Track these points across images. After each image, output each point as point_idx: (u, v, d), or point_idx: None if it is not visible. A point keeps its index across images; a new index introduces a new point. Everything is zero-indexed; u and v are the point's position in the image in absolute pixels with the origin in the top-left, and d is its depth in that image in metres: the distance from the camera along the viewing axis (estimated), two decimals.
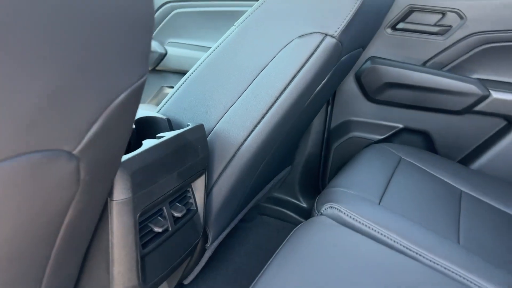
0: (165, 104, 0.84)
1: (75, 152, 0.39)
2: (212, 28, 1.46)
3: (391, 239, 0.74)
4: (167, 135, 0.69)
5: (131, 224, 0.62)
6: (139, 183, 0.61)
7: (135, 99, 0.43)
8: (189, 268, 0.94)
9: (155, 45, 1.53)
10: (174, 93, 0.83)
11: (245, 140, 0.79)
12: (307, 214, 1.42)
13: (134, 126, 0.74)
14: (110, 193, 0.58)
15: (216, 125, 0.80)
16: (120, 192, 0.59)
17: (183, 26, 1.54)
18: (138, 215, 0.63)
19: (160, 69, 1.57)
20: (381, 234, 0.75)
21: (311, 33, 0.74)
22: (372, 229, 0.76)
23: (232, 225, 1.02)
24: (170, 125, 0.80)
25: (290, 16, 0.76)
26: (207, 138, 0.80)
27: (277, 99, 0.78)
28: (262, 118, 0.79)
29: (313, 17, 0.75)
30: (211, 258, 1.06)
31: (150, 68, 1.57)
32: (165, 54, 1.53)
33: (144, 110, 0.82)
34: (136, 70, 0.41)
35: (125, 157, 0.59)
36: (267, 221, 1.42)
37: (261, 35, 0.77)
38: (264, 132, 0.80)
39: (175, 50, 1.53)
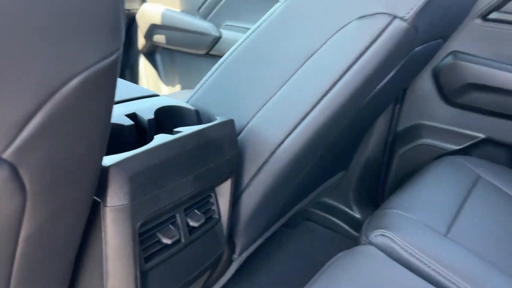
0: (196, 92, 0.73)
1: (4, 155, 0.28)
2: None
3: (457, 286, 0.58)
4: (185, 130, 0.58)
5: (128, 234, 0.51)
6: (141, 187, 0.51)
7: (103, 83, 0.31)
8: (213, 279, 0.83)
9: (209, 27, 1.42)
10: (207, 79, 0.72)
11: (282, 141, 0.66)
12: (359, 227, 1.25)
13: (153, 117, 0.63)
14: (103, 197, 0.48)
15: (250, 121, 0.67)
16: (115, 197, 0.48)
17: (242, 8, 1.42)
18: (139, 224, 0.52)
19: (214, 54, 1.46)
20: (445, 277, 0.59)
21: (374, 14, 0.58)
22: (433, 269, 0.59)
23: (267, 235, 0.90)
24: (198, 117, 0.69)
25: None
26: (239, 136, 0.68)
27: (326, 93, 0.64)
28: (306, 115, 0.65)
29: None
30: (243, 265, 0.95)
31: (203, 53, 1.48)
32: (219, 37, 1.42)
33: (171, 98, 0.71)
34: (99, 44, 0.29)
35: (123, 156, 0.49)
36: (313, 228, 1.27)
37: (311, 15, 0.62)
38: (307, 133, 0.66)
39: (231, 34, 1.42)
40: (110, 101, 0.34)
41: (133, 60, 1.69)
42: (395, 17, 0.58)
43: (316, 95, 0.64)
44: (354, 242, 1.22)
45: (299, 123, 0.65)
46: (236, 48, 0.68)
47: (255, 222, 0.78)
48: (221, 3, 1.44)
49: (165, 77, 1.68)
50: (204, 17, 1.48)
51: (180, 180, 0.56)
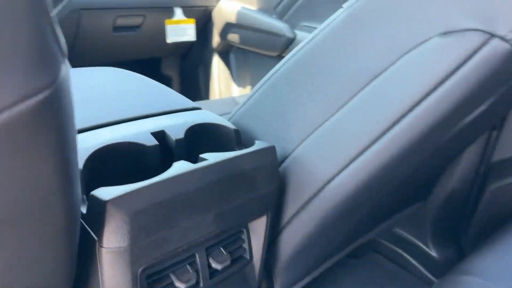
0: (240, 108, 0.63)
1: None
2: None
3: None
4: (212, 157, 0.49)
5: (127, 279, 0.44)
6: (145, 228, 0.43)
7: (32, 127, 0.23)
8: None
9: (283, 28, 1.32)
10: (253, 95, 0.62)
11: (333, 177, 0.54)
12: (435, 268, 1.07)
13: (182, 136, 0.55)
14: (99, 237, 0.41)
15: (295, 149, 0.56)
16: (112, 238, 0.41)
17: (320, 8, 1.29)
18: (141, 268, 0.44)
19: None
20: None
21: (464, 30, 0.44)
22: None
23: (316, 273, 0.78)
24: (238, 138, 0.60)
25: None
26: (281, 166, 0.57)
27: (394, 125, 0.51)
28: (366, 150, 0.52)
29: (469, 4, 0.44)
30: None
31: (275, 54, 1.38)
32: (293, 39, 1.31)
33: (212, 114, 0.62)
34: (10, 84, 0.20)
35: (125, 189, 0.41)
36: (379, 262, 1.12)
37: (379, 26, 0.49)
38: (365, 171, 0.53)
39: (306, 36, 1.30)
40: (57, 139, 0.25)
41: (207, 59, 1.65)
42: (492, 35, 0.43)
43: (380, 125, 0.51)
44: (426, 285, 1.05)
45: (355, 158, 0.53)
46: (287, 61, 0.58)
47: (298, 262, 0.67)
48: (298, 2, 1.33)
49: (238, 77, 1.61)
50: (280, 16, 1.38)
51: (196, 219, 0.47)
